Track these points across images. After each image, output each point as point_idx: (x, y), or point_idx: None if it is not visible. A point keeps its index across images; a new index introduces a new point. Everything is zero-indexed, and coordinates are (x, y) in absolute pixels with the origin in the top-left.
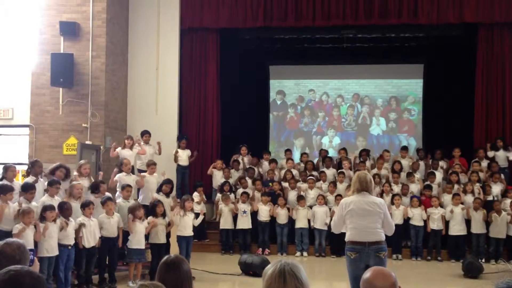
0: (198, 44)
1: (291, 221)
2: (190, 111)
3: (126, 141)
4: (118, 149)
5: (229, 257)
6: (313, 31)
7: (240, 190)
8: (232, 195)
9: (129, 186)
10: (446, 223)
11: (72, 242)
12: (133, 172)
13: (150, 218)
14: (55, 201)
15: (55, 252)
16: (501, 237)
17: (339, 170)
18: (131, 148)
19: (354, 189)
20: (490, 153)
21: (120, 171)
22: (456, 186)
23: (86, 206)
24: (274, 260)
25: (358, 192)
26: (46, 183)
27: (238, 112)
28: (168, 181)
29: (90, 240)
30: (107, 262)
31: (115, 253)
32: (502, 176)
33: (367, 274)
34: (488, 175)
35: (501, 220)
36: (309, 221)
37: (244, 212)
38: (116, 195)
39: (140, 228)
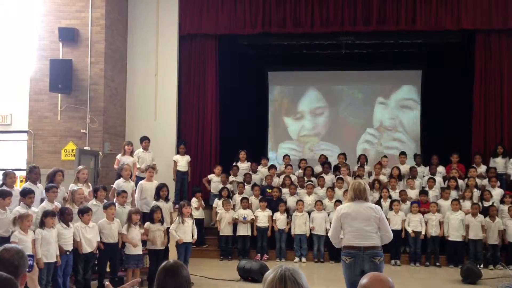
0: (197, 50)
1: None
2: (189, 117)
3: (126, 147)
4: (118, 156)
5: (228, 262)
6: (312, 37)
7: (237, 196)
8: (230, 201)
9: (124, 191)
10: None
11: (70, 247)
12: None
13: (147, 224)
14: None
15: (53, 258)
16: (496, 243)
17: (337, 176)
18: (131, 154)
19: (349, 197)
20: (492, 162)
21: (119, 177)
22: (454, 192)
23: (84, 212)
24: (274, 265)
25: (353, 200)
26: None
27: (237, 117)
28: (163, 185)
29: (87, 246)
30: (108, 268)
31: (117, 258)
32: (499, 183)
33: (364, 280)
34: (486, 180)
35: (494, 226)
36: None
37: (244, 218)
38: (114, 200)
39: (136, 234)
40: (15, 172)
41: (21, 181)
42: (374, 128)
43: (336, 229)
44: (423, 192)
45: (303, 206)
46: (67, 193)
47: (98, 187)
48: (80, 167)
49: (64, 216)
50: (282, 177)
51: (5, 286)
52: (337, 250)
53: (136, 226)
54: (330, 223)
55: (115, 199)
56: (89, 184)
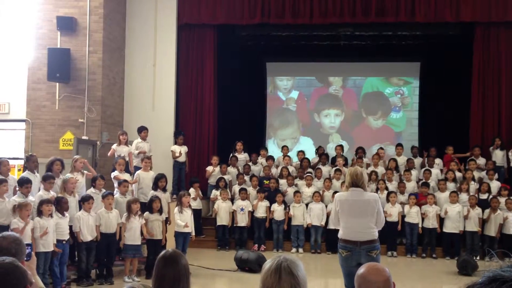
0: (195, 40)
1: (288, 218)
2: (187, 107)
3: (120, 137)
4: (114, 146)
5: (225, 253)
6: (310, 28)
7: (236, 187)
8: (228, 191)
9: (126, 181)
10: (441, 221)
11: (66, 237)
12: (128, 170)
13: (146, 214)
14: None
15: (51, 247)
16: (494, 235)
17: (335, 168)
18: (126, 143)
19: (347, 184)
20: (493, 155)
21: (114, 169)
22: (452, 184)
23: (85, 200)
24: (274, 255)
25: (350, 186)
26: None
27: (235, 108)
28: (161, 176)
29: (87, 234)
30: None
31: (114, 248)
32: (496, 175)
33: (361, 270)
34: (484, 173)
35: (494, 218)
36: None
37: (242, 209)
38: (114, 191)
39: (135, 223)
40: (9, 160)
41: (19, 170)
42: (371, 120)
43: (336, 217)
44: (424, 184)
45: (301, 197)
46: None
47: (97, 176)
48: (76, 156)
49: (60, 205)
50: (279, 168)
51: (8, 272)
52: (334, 241)
53: (136, 216)
54: (328, 215)
55: (115, 190)
56: (85, 172)
